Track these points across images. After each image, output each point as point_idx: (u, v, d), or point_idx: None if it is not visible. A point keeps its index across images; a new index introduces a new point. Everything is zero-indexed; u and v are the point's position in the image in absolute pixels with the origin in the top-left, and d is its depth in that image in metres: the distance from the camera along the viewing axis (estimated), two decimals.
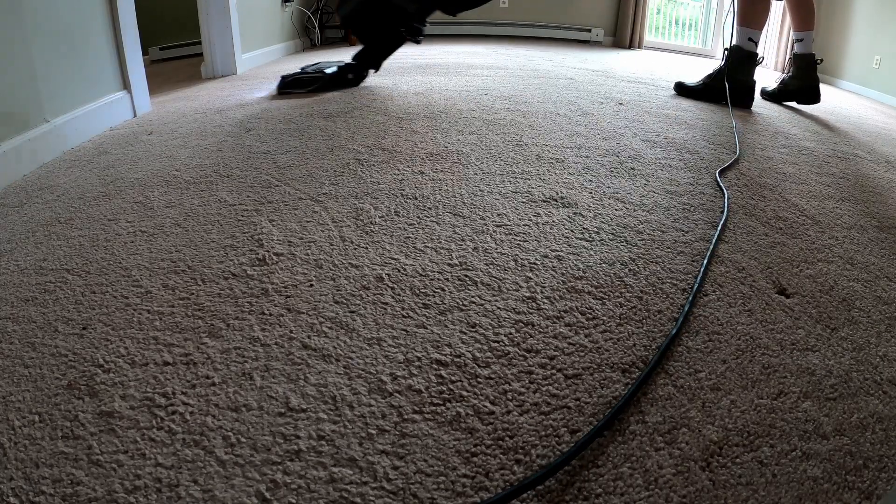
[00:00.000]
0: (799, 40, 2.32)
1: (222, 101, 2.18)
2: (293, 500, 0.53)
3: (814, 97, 2.36)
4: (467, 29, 4.65)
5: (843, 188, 1.43)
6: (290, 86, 2.27)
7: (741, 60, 2.26)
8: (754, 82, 2.29)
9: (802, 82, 2.36)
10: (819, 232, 1.15)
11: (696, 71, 3.45)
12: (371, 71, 2.38)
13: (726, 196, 1.27)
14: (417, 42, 2.27)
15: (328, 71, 2.28)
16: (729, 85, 2.27)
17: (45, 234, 1.05)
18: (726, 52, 2.28)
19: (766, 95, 2.53)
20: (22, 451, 0.57)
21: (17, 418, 0.61)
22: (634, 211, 1.18)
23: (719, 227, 1.11)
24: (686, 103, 2.30)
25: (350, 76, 2.32)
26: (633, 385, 0.68)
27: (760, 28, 2.23)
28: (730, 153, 1.62)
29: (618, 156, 1.53)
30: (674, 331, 0.78)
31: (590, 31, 4.82)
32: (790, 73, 2.41)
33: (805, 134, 1.99)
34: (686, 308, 0.83)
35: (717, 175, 1.41)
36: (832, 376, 0.72)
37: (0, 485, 0.53)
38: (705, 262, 0.97)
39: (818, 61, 2.34)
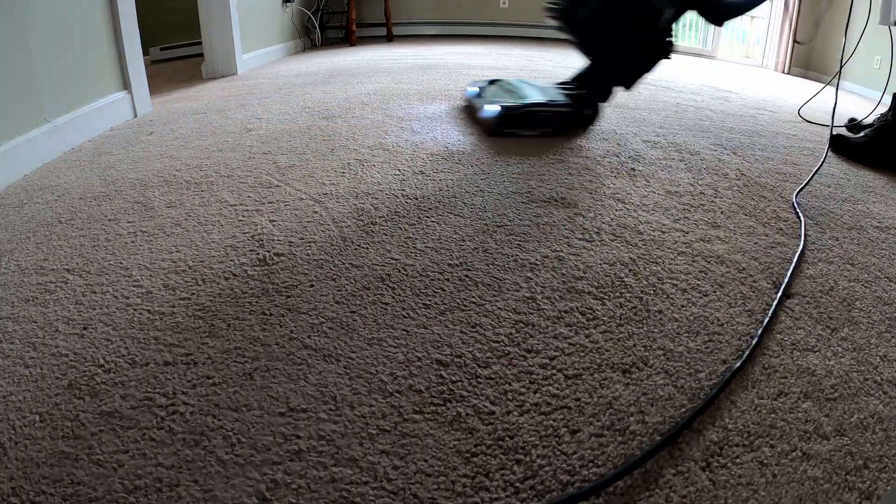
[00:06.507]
0: None
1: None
2: (293, 500, 0.53)
3: None
4: (467, 29, 4.65)
5: (843, 188, 1.43)
6: (515, 124, 1.63)
7: None
8: None
9: None
10: (819, 232, 1.15)
11: (697, 72, 3.45)
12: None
13: (803, 223, 1.16)
14: (668, 58, 1.65)
15: (560, 101, 1.70)
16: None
17: (46, 234, 1.05)
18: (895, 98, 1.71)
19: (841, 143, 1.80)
20: (23, 450, 0.57)
21: (17, 418, 0.61)
22: (634, 211, 1.18)
23: (795, 257, 1.02)
24: (686, 103, 2.30)
25: (588, 111, 1.73)
26: (695, 406, 0.67)
27: None
28: (730, 153, 1.62)
29: (618, 156, 1.53)
30: (738, 364, 0.72)
31: None
32: None
33: (805, 135, 1.99)
34: (755, 340, 0.77)
35: (794, 199, 1.29)
36: (832, 376, 0.72)
37: (1, 484, 0.53)
38: (779, 294, 0.89)
39: None
